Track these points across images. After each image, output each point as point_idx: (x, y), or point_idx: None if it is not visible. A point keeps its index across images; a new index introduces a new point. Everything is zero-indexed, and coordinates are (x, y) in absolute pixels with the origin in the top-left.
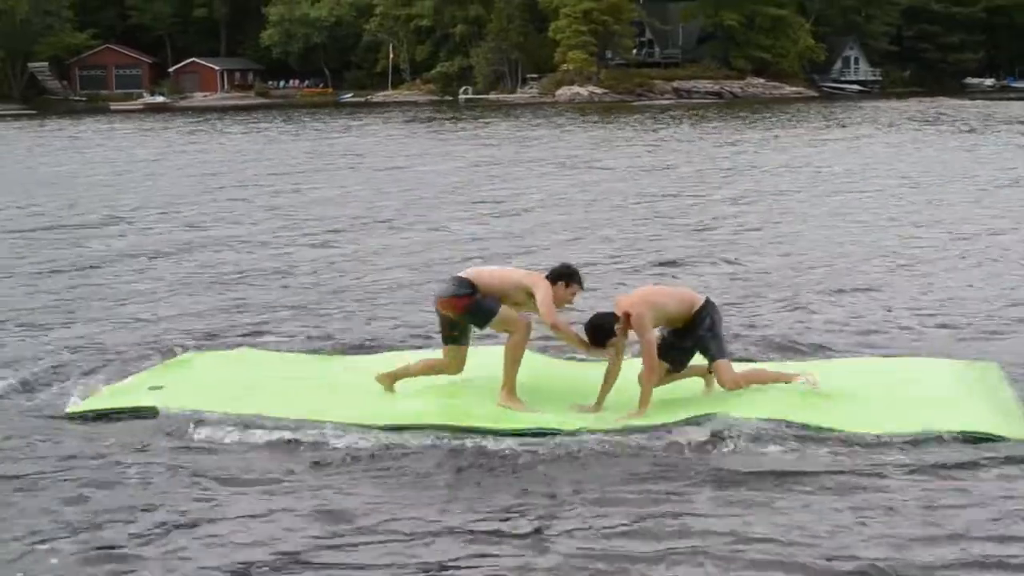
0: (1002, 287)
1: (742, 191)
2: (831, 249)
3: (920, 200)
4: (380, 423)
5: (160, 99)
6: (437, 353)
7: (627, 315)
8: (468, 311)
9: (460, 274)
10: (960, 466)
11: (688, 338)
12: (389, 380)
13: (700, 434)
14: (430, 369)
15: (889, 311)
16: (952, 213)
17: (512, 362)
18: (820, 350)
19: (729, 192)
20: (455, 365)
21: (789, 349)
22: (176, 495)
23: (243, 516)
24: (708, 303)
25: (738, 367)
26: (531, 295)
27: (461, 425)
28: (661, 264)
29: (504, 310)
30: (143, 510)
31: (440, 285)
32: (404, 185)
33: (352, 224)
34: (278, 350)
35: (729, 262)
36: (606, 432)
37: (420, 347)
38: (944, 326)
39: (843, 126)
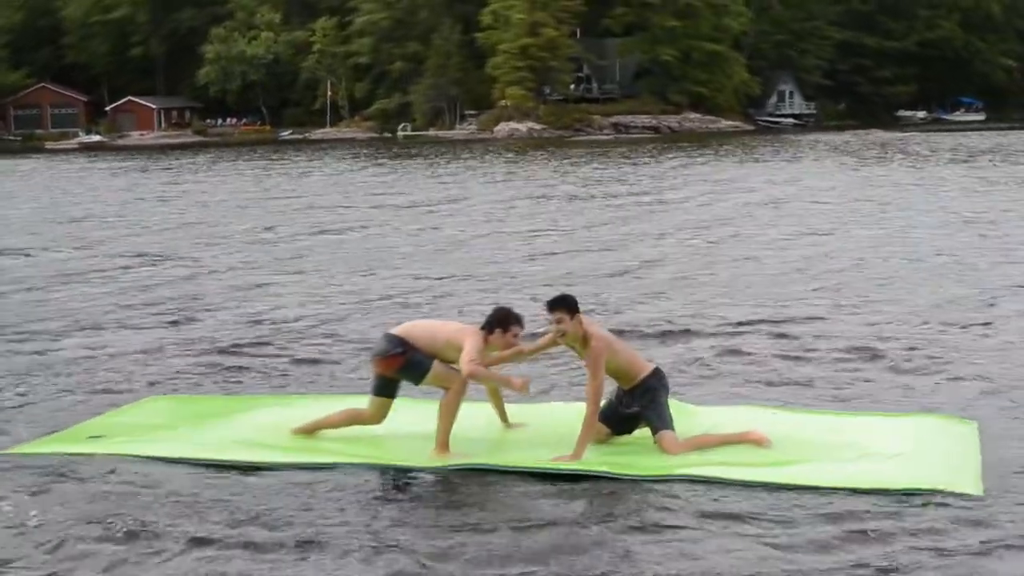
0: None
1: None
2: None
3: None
4: (309, 460)
5: (96, 138)
6: (358, 403)
7: (585, 336)
8: (401, 368)
9: (391, 331)
10: (891, 519)
11: (635, 403)
12: (308, 431)
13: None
14: (352, 420)
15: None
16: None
17: (445, 416)
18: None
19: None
20: (378, 416)
21: (751, 397)
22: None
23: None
24: (657, 372)
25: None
26: (459, 349)
27: (382, 462)
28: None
29: (437, 366)
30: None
31: (375, 343)
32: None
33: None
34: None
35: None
36: (531, 472)
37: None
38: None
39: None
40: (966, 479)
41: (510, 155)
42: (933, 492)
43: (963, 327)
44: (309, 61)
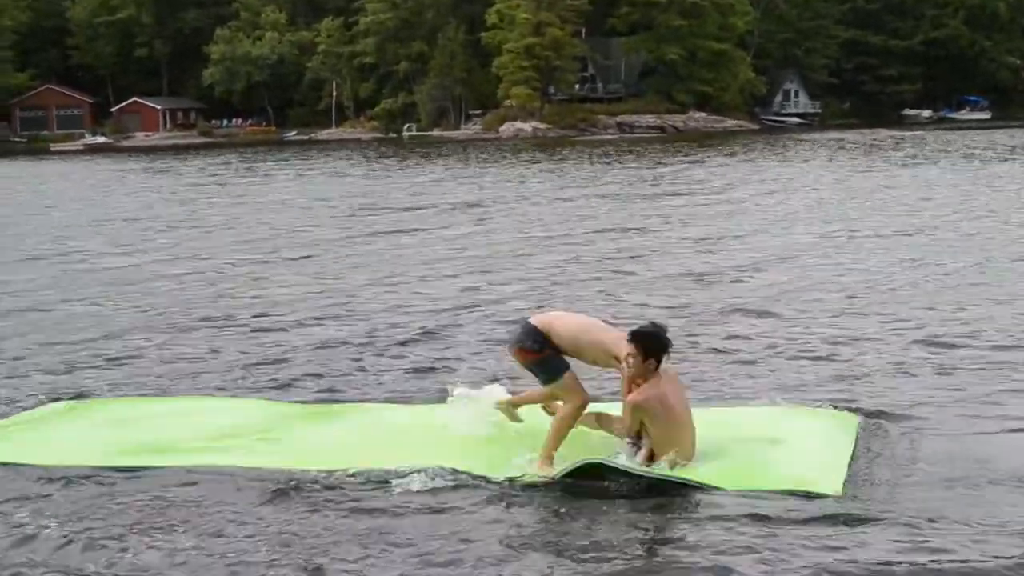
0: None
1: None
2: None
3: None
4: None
5: (101, 139)
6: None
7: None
8: (535, 365)
9: (532, 319)
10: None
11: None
12: (509, 406)
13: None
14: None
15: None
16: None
17: (556, 433)
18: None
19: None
20: (572, 396)
21: None
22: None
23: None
24: None
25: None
26: (616, 358)
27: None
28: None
29: (568, 377)
30: None
31: (512, 330)
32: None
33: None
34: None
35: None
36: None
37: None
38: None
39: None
40: (829, 477)
41: (539, 153)
42: (794, 492)
43: None
44: (314, 61)
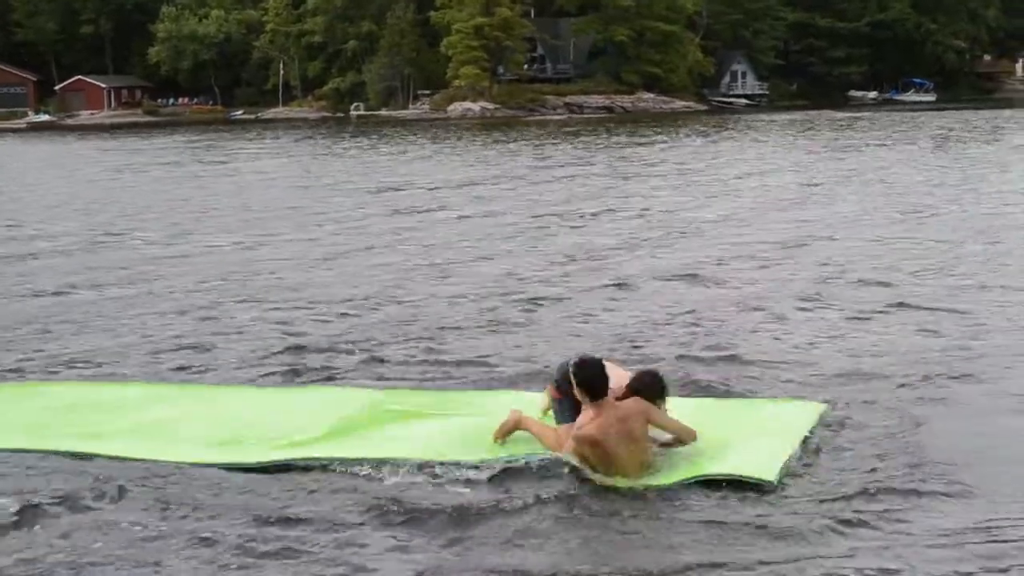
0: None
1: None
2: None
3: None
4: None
5: (45, 118)
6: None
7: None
8: (554, 402)
9: (574, 360)
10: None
11: None
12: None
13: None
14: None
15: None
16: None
17: (539, 430)
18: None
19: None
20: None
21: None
22: None
23: None
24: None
25: None
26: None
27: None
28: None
29: (562, 432)
30: None
31: (559, 364)
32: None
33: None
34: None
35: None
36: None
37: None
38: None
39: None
40: (767, 467)
41: (532, 136)
42: (729, 480)
43: None
44: (261, 40)
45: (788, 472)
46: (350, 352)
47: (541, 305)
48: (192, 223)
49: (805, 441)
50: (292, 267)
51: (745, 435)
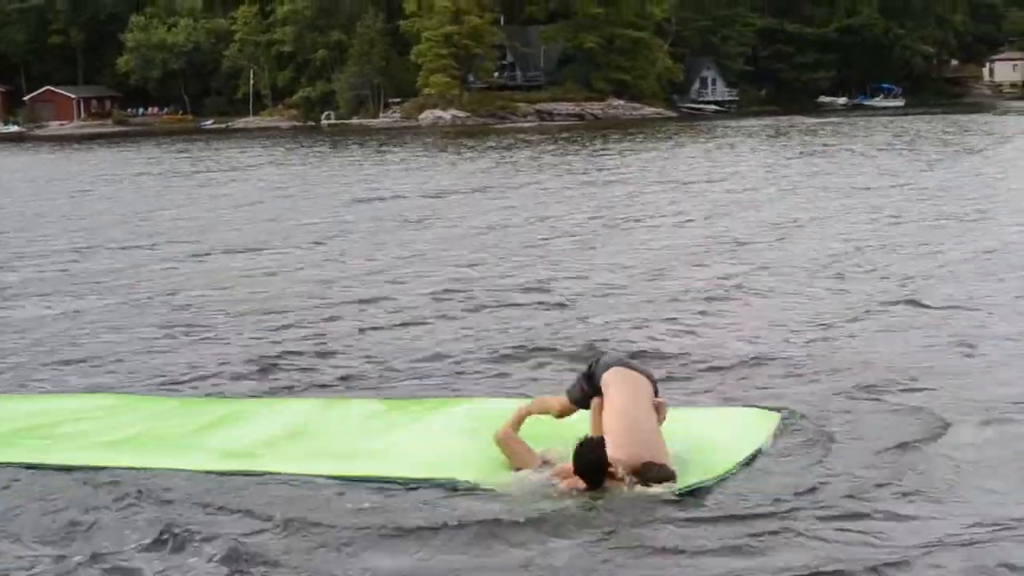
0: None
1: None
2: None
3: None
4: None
5: (15, 128)
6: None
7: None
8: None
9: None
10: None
11: None
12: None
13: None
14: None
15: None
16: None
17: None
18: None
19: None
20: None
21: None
22: None
23: None
24: None
25: None
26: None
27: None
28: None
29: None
30: None
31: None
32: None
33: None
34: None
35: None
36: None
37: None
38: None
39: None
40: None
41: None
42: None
43: None
44: (231, 50)
45: (721, 481)
46: (334, 364)
47: (541, 306)
48: (171, 232)
49: (757, 452)
50: (276, 277)
51: (694, 446)
